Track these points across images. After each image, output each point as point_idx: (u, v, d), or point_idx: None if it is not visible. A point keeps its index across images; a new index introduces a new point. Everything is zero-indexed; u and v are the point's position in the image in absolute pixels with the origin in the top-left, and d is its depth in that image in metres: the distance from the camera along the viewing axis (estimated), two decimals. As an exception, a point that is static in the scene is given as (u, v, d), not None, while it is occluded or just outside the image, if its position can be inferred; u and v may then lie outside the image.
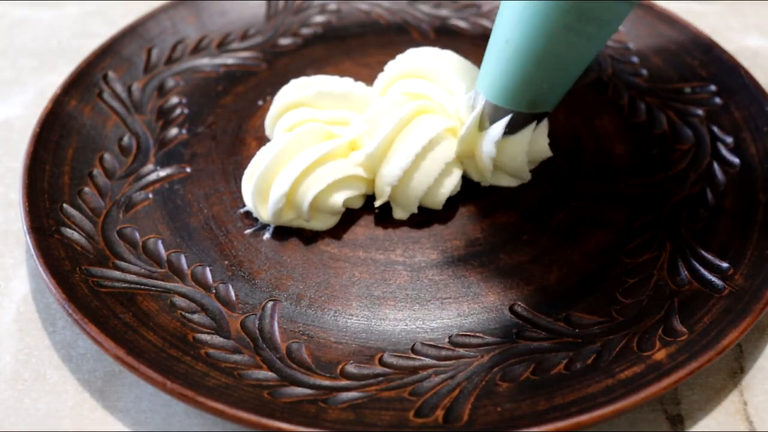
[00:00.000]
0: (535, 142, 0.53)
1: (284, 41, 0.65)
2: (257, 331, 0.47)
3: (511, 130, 0.51)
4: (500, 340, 0.46)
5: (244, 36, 0.65)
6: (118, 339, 0.44)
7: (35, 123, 0.55)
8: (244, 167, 0.53)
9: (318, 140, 0.53)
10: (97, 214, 0.52)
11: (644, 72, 0.61)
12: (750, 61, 0.65)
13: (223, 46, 0.64)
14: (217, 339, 0.46)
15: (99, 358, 0.47)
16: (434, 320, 0.48)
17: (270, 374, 0.44)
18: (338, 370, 0.45)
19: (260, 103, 0.60)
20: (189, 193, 0.54)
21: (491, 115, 0.51)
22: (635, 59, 0.62)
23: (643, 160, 0.56)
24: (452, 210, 0.54)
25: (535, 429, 0.41)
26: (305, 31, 0.66)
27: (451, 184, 0.53)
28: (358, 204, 0.54)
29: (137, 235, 0.51)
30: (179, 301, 0.48)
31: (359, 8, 0.67)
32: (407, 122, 0.52)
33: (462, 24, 0.66)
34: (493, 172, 0.54)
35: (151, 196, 0.54)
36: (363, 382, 0.44)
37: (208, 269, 0.50)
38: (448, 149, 0.52)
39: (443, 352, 0.46)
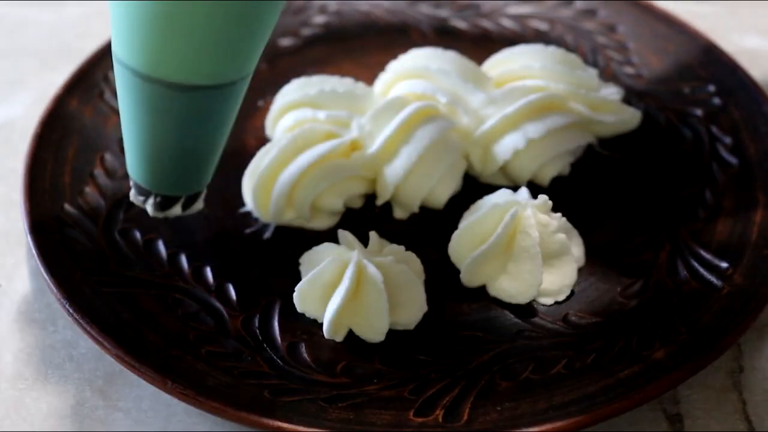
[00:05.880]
0: (546, 166, 0.53)
1: (284, 41, 0.65)
2: (257, 331, 0.47)
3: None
4: (500, 340, 0.46)
5: (245, 36, 0.65)
6: (118, 338, 0.44)
7: (36, 123, 0.55)
8: (244, 167, 0.53)
9: (319, 140, 0.53)
10: (98, 214, 0.52)
11: (643, 72, 0.61)
12: (749, 61, 0.65)
13: (223, 46, 0.64)
14: (217, 338, 0.46)
15: (100, 357, 0.47)
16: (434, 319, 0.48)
17: (270, 374, 0.44)
18: (338, 370, 0.45)
19: (260, 103, 0.60)
20: (189, 193, 0.54)
21: None
22: (634, 59, 0.62)
23: (642, 160, 0.56)
24: (452, 210, 0.54)
25: (535, 429, 0.41)
26: (305, 31, 0.66)
27: (453, 184, 0.53)
28: (358, 204, 0.54)
29: (138, 234, 0.51)
30: (180, 300, 0.48)
31: (359, 9, 0.67)
32: (411, 122, 0.52)
33: (462, 24, 0.66)
34: (495, 172, 0.54)
35: (151, 196, 0.54)
36: (363, 382, 0.44)
37: (208, 269, 0.50)
38: (451, 150, 0.52)
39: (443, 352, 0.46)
